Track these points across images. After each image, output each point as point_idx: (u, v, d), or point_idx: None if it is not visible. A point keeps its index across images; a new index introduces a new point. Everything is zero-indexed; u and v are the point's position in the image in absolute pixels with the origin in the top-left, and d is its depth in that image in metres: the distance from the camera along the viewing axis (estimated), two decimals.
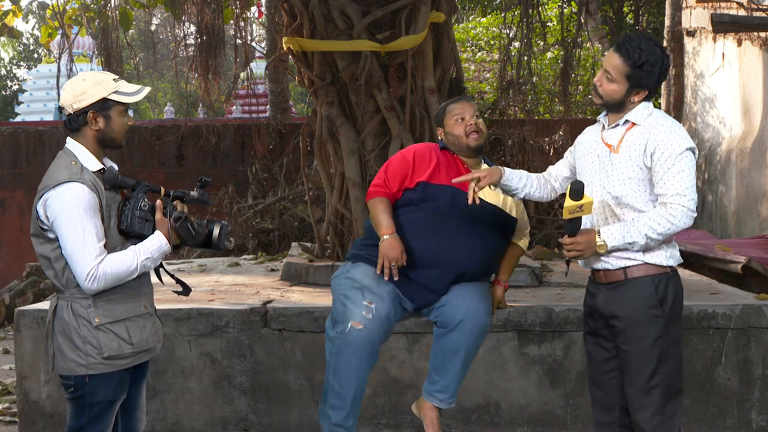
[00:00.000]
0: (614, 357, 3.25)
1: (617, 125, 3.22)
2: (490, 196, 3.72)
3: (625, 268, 3.17)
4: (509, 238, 3.90)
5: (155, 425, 4.66)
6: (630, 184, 3.15)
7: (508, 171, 3.43)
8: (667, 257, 3.18)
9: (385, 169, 3.81)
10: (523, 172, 3.53)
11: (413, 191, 3.71)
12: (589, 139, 3.37)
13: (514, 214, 3.85)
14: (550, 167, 3.66)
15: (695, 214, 3.10)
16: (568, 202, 3.07)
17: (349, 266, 3.77)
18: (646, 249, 3.13)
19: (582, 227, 3.16)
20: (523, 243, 3.96)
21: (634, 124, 3.18)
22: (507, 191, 3.50)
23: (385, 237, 3.60)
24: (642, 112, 3.19)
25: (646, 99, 3.20)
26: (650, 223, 3.07)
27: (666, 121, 3.16)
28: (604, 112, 3.32)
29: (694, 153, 3.13)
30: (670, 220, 3.06)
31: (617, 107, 3.21)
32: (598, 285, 3.27)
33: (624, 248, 3.12)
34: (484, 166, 3.77)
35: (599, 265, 3.22)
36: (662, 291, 3.14)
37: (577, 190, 3.06)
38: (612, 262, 3.18)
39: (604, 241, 3.11)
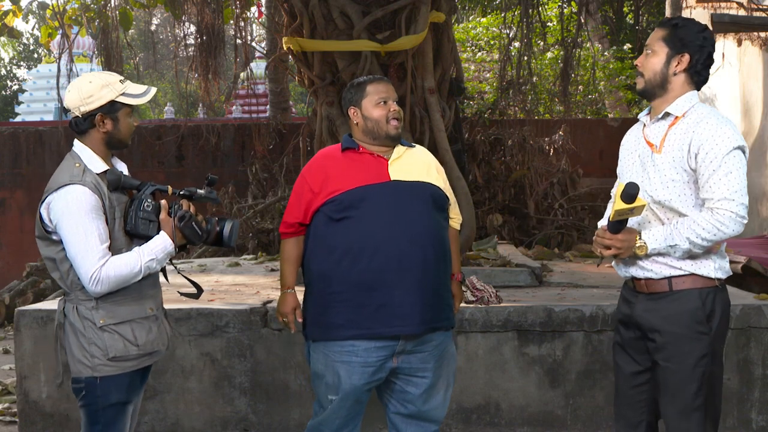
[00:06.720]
0: (646, 371, 3.03)
1: (658, 119, 2.99)
2: (410, 172, 3.38)
3: (670, 278, 2.92)
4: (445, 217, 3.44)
5: (155, 425, 4.66)
6: (674, 188, 2.91)
7: (650, 242, 2.92)
8: (715, 269, 2.93)
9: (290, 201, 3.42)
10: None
11: (323, 210, 3.26)
12: (630, 138, 3.13)
13: (439, 184, 3.41)
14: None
15: (746, 220, 2.86)
16: (619, 205, 2.83)
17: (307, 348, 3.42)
18: (688, 256, 2.89)
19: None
20: (455, 222, 3.51)
21: (677, 118, 2.94)
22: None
23: (283, 291, 3.43)
24: (684, 104, 2.94)
25: (690, 76, 2.95)
26: (695, 227, 2.82)
27: (711, 117, 2.88)
28: (645, 110, 3.09)
29: (743, 152, 2.88)
30: (717, 227, 2.81)
31: (660, 88, 2.96)
32: (638, 294, 3.02)
33: (665, 252, 2.89)
34: (401, 147, 3.46)
35: (641, 274, 2.98)
36: (710, 306, 2.90)
37: (630, 194, 2.81)
38: (656, 271, 2.94)
39: (644, 242, 2.89)
